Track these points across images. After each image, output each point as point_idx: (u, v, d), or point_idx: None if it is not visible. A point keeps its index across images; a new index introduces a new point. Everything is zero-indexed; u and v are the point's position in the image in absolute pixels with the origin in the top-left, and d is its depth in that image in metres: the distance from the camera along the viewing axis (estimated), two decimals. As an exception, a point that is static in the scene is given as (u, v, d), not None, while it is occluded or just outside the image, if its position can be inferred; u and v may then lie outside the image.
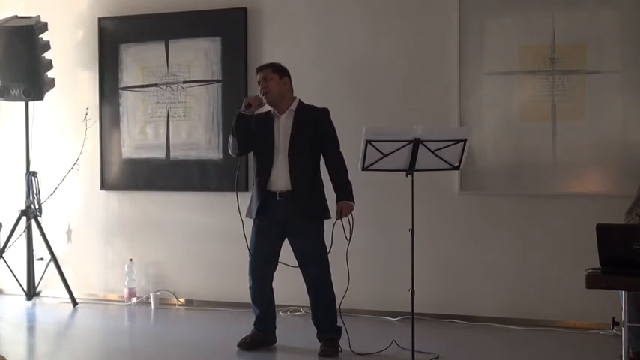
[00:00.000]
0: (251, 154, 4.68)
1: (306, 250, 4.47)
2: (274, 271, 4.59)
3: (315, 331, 4.57)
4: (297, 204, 4.40)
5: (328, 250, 4.45)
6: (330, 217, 4.50)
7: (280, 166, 4.43)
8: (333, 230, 4.38)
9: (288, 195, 4.41)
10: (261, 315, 4.62)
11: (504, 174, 5.20)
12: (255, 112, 4.48)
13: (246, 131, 4.46)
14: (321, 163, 4.56)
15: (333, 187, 4.49)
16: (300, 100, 4.56)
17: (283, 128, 4.47)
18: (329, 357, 4.40)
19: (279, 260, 4.57)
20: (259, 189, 4.49)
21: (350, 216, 4.42)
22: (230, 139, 4.55)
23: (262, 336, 4.61)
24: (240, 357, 4.51)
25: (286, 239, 4.56)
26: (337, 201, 4.45)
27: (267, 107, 4.54)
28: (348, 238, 4.35)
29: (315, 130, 4.46)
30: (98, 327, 5.45)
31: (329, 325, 4.51)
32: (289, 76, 4.56)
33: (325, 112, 4.53)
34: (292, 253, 4.55)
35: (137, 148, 6.10)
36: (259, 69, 4.58)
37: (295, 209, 4.41)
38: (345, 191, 4.45)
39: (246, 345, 4.56)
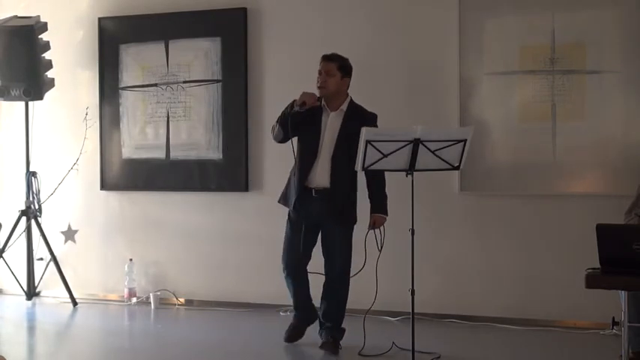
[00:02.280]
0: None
1: (333, 251, 4.51)
2: (307, 261, 4.60)
3: (317, 328, 4.61)
4: (332, 203, 4.44)
5: (363, 264, 4.46)
6: (356, 222, 4.54)
7: (323, 164, 4.44)
8: (365, 240, 4.40)
9: (326, 192, 4.43)
10: (299, 302, 4.67)
11: (504, 174, 5.20)
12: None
13: (297, 125, 4.42)
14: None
15: (369, 197, 4.52)
16: (351, 98, 4.55)
17: (331, 126, 4.47)
18: (329, 352, 4.44)
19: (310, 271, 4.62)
20: (299, 182, 4.48)
21: (381, 227, 4.47)
22: (276, 128, 4.50)
23: (302, 320, 4.69)
24: (241, 357, 4.51)
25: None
26: (372, 212, 4.50)
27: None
28: (380, 248, 4.40)
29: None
30: (98, 327, 5.45)
31: (334, 324, 4.55)
32: (350, 76, 4.54)
33: (374, 118, 4.52)
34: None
35: (137, 148, 6.10)
36: (326, 58, 4.50)
37: (329, 208, 4.44)
38: (381, 204, 4.51)
39: (292, 337, 4.67)
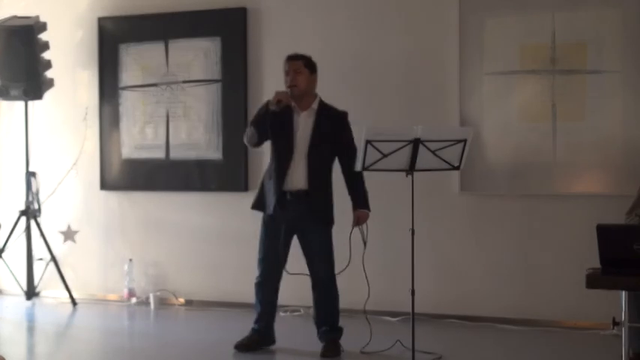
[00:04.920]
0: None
1: (315, 251, 4.47)
2: (282, 270, 4.55)
3: (316, 330, 4.56)
4: (310, 204, 4.39)
5: (347, 262, 4.41)
6: (334, 223, 4.50)
7: (298, 166, 4.39)
8: (350, 238, 4.38)
9: (302, 194, 4.39)
10: (262, 313, 4.58)
11: (504, 174, 5.20)
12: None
13: (270, 126, 4.40)
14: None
15: (350, 194, 4.48)
16: (321, 98, 4.52)
17: (303, 127, 4.43)
18: (331, 358, 4.39)
19: (291, 272, 4.53)
20: (277, 186, 4.42)
21: (365, 223, 4.43)
22: (250, 131, 4.47)
23: (259, 337, 4.58)
24: (241, 357, 4.50)
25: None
26: (354, 208, 4.46)
27: None
28: (364, 244, 4.37)
29: (334, 133, 4.42)
30: (98, 327, 5.45)
31: (331, 325, 4.50)
32: (316, 73, 4.51)
33: (345, 115, 4.49)
34: (294, 256, 4.55)
35: (137, 148, 6.09)
36: (291, 58, 4.48)
37: (307, 209, 4.39)
38: (362, 199, 4.46)
39: (243, 347, 4.53)
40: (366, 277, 4.39)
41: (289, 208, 4.40)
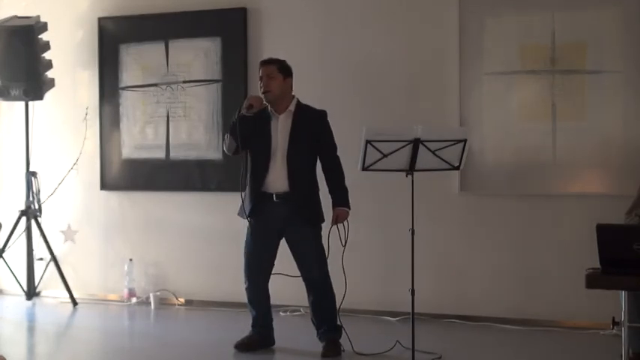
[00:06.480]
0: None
1: (305, 252, 4.45)
2: (270, 272, 4.55)
3: (315, 331, 4.56)
4: (295, 206, 4.38)
5: (326, 255, 4.44)
6: (324, 220, 4.49)
7: (278, 168, 4.39)
8: (329, 235, 4.37)
9: (286, 196, 4.37)
10: (258, 316, 4.60)
11: (504, 174, 5.20)
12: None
13: (246, 132, 4.39)
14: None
15: (330, 192, 4.47)
16: (298, 99, 4.51)
17: (282, 129, 4.42)
18: (332, 357, 4.39)
19: (280, 272, 4.52)
20: (254, 189, 4.45)
21: (345, 221, 4.39)
22: (227, 139, 4.48)
23: (259, 338, 4.58)
24: (241, 357, 4.50)
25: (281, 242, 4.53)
26: (333, 206, 4.43)
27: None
28: (344, 243, 4.33)
29: (313, 132, 4.42)
30: (98, 327, 5.45)
31: (329, 326, 4.50)
32: (292, 76, 4.50)
33: (324, 114, 4.49)
34: (289, 258, 4.53)
35: (137, 148, 6.10)
36: (264, 63, 4.47)
37: (293, 211, 4.38)
38: (341, 197, 4.44)
39: (243, 346, 4.54)
40: (345, 276, 4.35)
41: (274, 210, 4.40)
